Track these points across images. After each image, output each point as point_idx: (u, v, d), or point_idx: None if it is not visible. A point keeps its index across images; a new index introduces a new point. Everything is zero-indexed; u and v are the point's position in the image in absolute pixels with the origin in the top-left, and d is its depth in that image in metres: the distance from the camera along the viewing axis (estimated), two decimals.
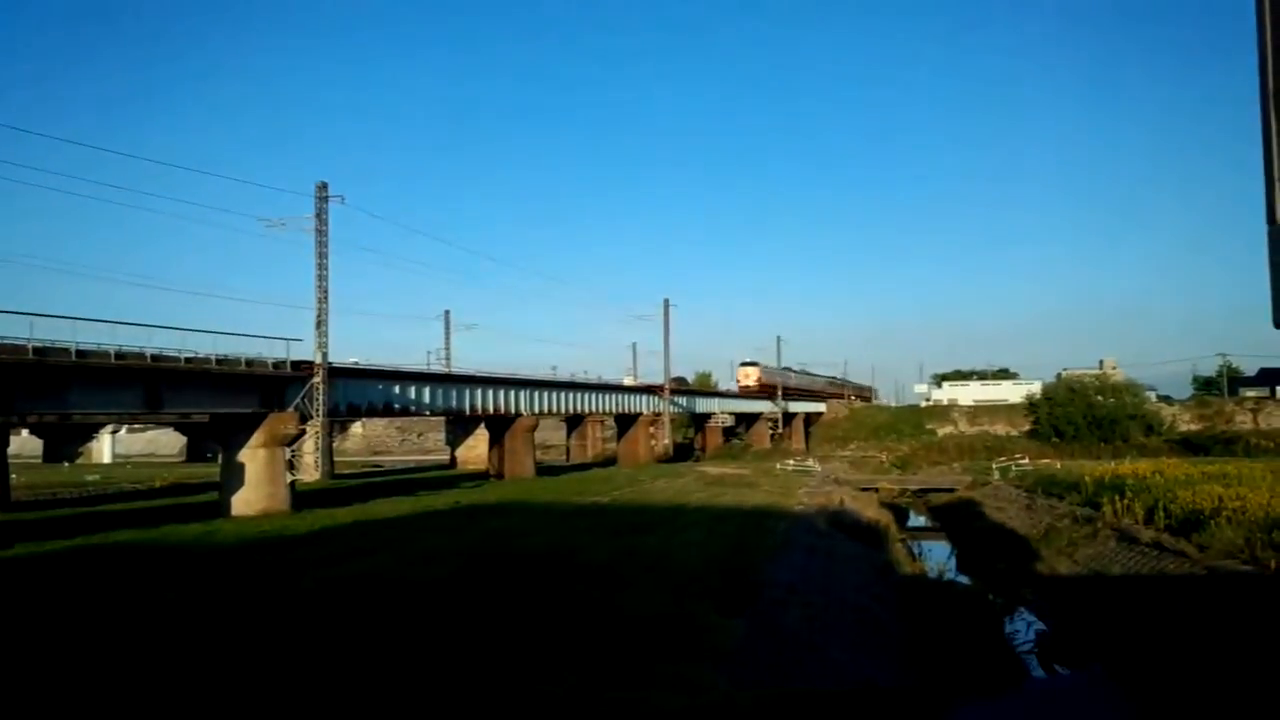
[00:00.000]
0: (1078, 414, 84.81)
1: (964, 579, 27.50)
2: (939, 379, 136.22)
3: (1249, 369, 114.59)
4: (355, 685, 10.61)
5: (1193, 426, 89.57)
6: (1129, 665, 17.95)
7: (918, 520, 47.88)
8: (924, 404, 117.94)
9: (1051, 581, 25.78)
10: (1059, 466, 49.31)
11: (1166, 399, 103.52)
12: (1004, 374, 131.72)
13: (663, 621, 13.79)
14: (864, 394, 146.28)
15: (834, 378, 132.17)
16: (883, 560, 26.71)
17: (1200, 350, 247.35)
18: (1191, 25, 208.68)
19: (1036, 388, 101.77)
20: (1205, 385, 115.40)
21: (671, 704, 9.99)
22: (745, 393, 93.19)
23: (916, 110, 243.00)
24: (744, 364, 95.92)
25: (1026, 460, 57.22)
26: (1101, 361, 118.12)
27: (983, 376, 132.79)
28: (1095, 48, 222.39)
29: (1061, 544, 28.54)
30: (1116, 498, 29.55)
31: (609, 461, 75.70)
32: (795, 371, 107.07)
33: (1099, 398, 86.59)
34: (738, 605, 15.65)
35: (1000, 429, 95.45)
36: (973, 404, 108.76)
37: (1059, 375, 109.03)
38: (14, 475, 47.95)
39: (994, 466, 55.18)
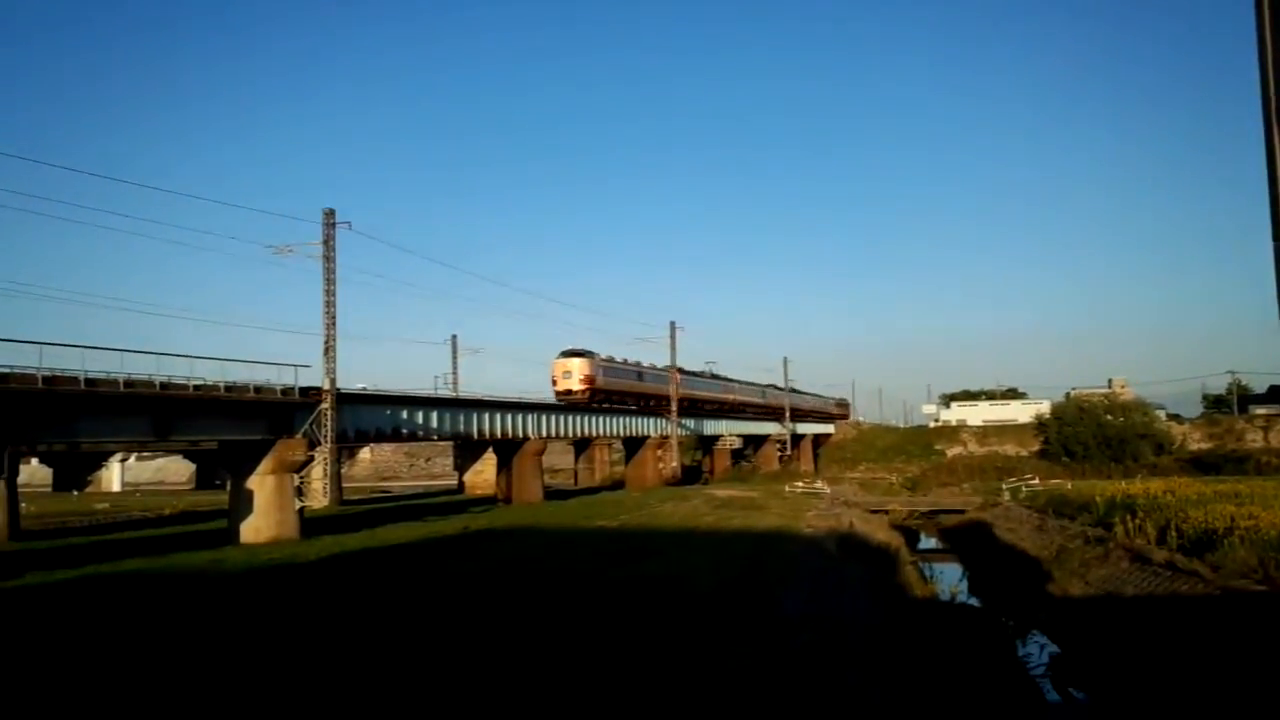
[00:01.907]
0: (1088, 434, 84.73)
1: (976, 601, 27.29)
2: (947, 399, 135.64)
3: (1259, 386, 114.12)
4: None
5: (1203, 445, 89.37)
6: (1145, 688, 17.75)
7: (928, 542, 47.61)
8: (932, 425, 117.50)
9: (1064, 603, 25.56)
10: (1069, 487, 48.96)
11: (1176, 418, 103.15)
12: (1013, 394, 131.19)
13: (672, 652, 13.71)
14: (828, 410, 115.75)
15: (779, 386, 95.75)
16: (894, 584, 26.52)
17: (1210, 368, 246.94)
18: (1203, 38, 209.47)
19: (1046, 408, 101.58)
20: (1215, 403, 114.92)
21: None
22: (566, 398, 60.49)
23: (924, 128, 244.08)
24: (564, 354, 61.02)
25: (1037, 480, 56.89)
26: (1111, 380, 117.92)
27: (991, 396, 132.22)
28: (1104, 60, 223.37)
29: (1073, 565, 28.33)
30: (1128, 518, 29.25)
31: (617, 485, 75.58)
32: (693, 373, 76.93)
33: (1109, 417, 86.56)
34: (749, 630, 15.56)
35: (1010, 449, 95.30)
36: (982, 424, 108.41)
37: (1068, 395, 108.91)
38: (24, 504, 48.02)
39: (1004, 487, 54.84)
